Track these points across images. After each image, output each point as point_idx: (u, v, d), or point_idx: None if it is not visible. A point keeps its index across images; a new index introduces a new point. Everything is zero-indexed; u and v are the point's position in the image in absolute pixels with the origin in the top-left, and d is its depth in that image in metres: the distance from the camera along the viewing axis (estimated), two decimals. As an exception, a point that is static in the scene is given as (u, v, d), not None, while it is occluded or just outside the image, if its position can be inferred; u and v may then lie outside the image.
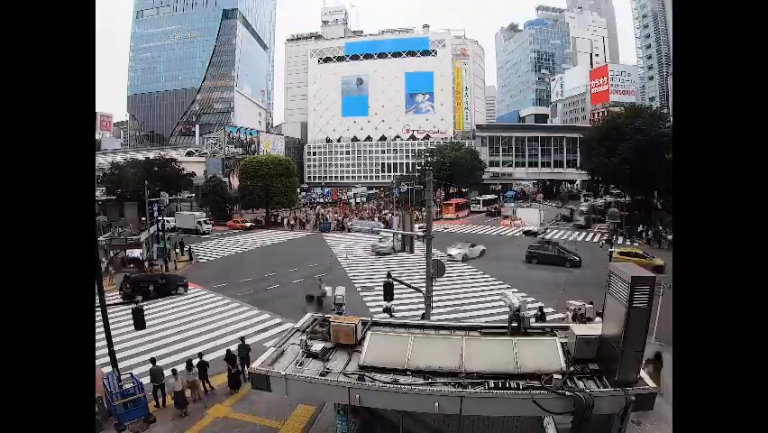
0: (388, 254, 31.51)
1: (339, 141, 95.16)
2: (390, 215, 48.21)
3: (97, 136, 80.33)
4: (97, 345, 13.11)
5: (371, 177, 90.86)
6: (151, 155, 57.55)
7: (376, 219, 49.17)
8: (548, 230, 41.52)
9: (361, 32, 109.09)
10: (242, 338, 14.36)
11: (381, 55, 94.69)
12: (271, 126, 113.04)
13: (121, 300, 20.07)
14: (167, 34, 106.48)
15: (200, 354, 13.30)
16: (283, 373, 8.02)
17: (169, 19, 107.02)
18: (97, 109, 75.08)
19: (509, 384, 7.39)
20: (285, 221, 49.15)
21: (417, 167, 69.93)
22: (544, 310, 17.60)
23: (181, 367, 12.66)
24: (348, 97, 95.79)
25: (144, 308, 12.99)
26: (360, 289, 23.17)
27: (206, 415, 11.63)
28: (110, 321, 12.56)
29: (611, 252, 23.10)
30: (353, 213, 56.59)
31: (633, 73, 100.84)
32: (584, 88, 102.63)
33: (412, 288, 15.54)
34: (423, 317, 14.34)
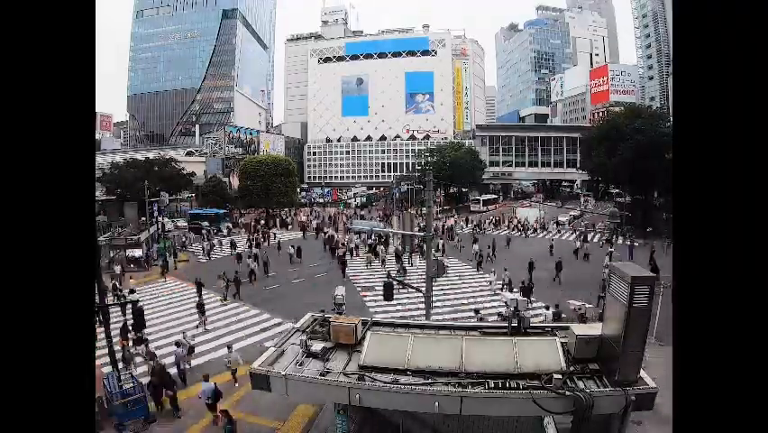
0: None
1: (339, 141, 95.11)
2: (391, 216, 48.18)
3: (97, 136, 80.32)
4: (97, 345, 13.16)
5: (371, 177, 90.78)
6: (151, 155, 57.50)
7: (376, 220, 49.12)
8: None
9: (361, 32, 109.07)
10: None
11: (381, 55, 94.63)
12: (271, 126, 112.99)
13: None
14: (167, 34, 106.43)
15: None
16: (283, 373, 8.02)
17: (169, 19, 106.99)
18: (97, 109, 75.03)
19: (509, 384, 7.40)
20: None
21: (417, 167, 69.91)
22: (540, 310, 17.61)
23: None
24: (348, 97, 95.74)
25: (144, 307, 13.00)
26: (360, 289, 23.17)
27: (206, 415, 11.63)
28: (110, 321, 12.59)
29: (611, 252, 23.11)
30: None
31: (633, 73, 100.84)
32: (584, 88, 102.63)
33: (412, 288, 15.55)
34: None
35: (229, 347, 13.96)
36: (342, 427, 8.83)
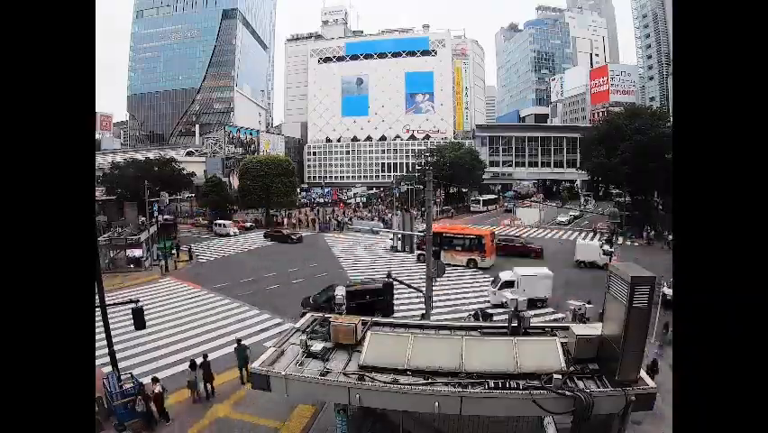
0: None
1: (339, 141, 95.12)
2: (391, 214, 48.22)
3: (97, 136, 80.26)
4: (97, 345, 13.13)
5: (371, 177, 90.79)
6: (151, 155, 57.50)
7: (375, 219, 49.18)
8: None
9: (361, 31, 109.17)
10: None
11: (381, 55, 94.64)
12: (271, 126, 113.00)
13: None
14: (167, 34, 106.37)
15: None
16: (283, 373, 8.02)
17: (168, 19, 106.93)
18: (97, 109, 75.01)
19: (509, 384, 7.39)
20: (284, 221, 49.10)
21: (417, 167, 69.88)
22: (540, 310, 17.58)
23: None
24: (348, 97, 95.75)
25: (144, 307, 12.99)
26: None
27: (206, 415, 11.64)
28: (110, 321, 12.57)
29: (611, 252, 23.08)
30: (353, 214, 56.68)
31: (633, 73, 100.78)
32: (584, 88, 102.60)
33: (412, 288, 15.55)
34: (423, 316, 14.34)
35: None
36: (342, 427, 8.83)
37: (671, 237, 31.40)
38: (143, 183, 33.67)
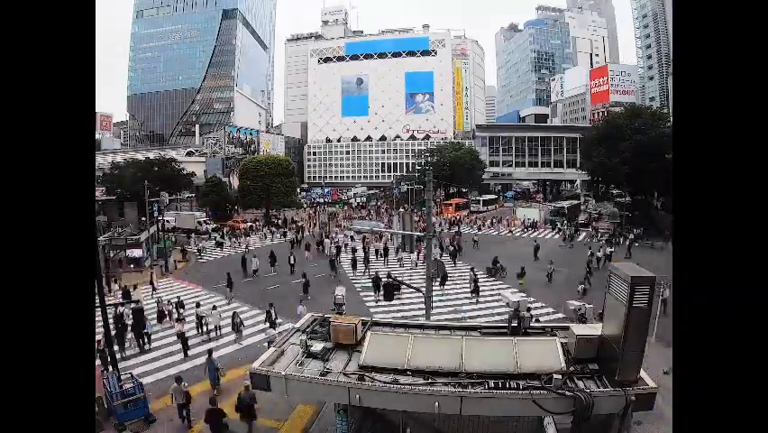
0: None
1: (339, 141, 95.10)
2: (390, 216, 48.13)
3: (97, 136, 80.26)
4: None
5: (371, 177, 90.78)
6: (151, 155, 57.53)
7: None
8: None
9: (361, 31, 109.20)
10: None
11: (381, 55, 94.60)
12: (271, 126, 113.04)
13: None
14: (167, 34, 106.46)
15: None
16: (283, 373, 8.02)
17: (168, 19, 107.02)
18: (97, 109, 75.01)
19: (509, 384, 7.39)
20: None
21: (417, 167, 69.88)
22: (541, 311, 17.59)
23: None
24: (348, 97, 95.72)
25: (144, 307, 12.97)
26: (360, 289, 23.16)
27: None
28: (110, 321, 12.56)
29: (611, 252, 23.08)
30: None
31: (633, 73, 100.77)
32: (584, 88, 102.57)
33: (412, 288, 15.55)
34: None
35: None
36: (342, 427, 8.83)
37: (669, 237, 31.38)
38: (143, 183, 33.66)
